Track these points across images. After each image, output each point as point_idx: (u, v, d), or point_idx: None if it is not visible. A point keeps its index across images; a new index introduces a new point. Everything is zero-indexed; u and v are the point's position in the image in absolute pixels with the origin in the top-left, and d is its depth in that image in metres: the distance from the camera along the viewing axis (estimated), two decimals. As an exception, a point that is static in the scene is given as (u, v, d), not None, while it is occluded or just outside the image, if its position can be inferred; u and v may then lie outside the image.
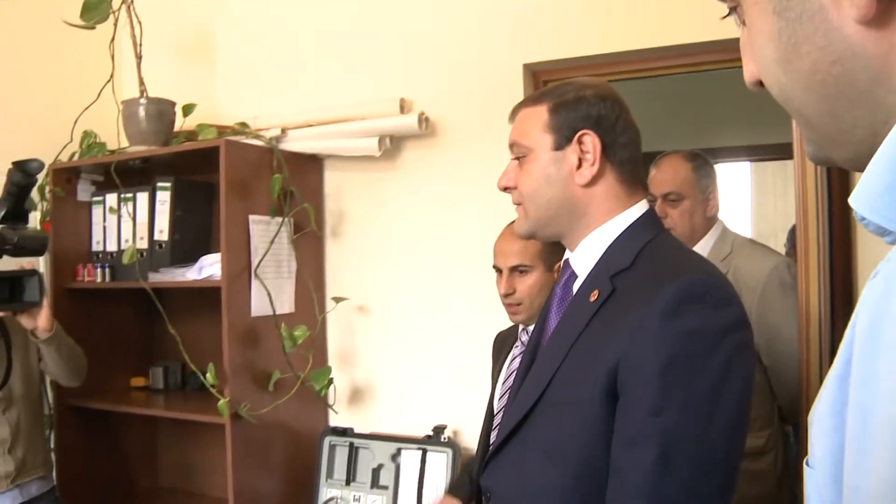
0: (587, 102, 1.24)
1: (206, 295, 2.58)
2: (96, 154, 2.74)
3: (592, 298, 1.18)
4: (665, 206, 2.29)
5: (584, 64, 2.37)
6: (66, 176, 2.75)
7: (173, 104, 2.66)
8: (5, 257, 2.15)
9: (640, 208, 1.26)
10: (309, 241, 2.64)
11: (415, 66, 2.56)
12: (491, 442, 1.45)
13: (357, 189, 2.68)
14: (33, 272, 2.20)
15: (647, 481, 1.04)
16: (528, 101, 1.32)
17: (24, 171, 2.04)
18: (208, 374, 2.34)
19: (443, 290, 2.52)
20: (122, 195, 2.70)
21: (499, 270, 1.85)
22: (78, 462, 2.68)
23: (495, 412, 1.79)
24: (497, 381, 1.86)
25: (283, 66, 2.82)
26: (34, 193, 2.43)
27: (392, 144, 2.54)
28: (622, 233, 1.23)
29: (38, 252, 2.18)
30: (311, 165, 2.68)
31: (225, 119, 2.75)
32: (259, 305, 2.42)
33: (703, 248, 2.27)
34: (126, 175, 2.70)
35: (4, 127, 2.78)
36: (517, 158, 1.31)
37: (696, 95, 4.47)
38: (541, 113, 1.27)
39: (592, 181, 1.24)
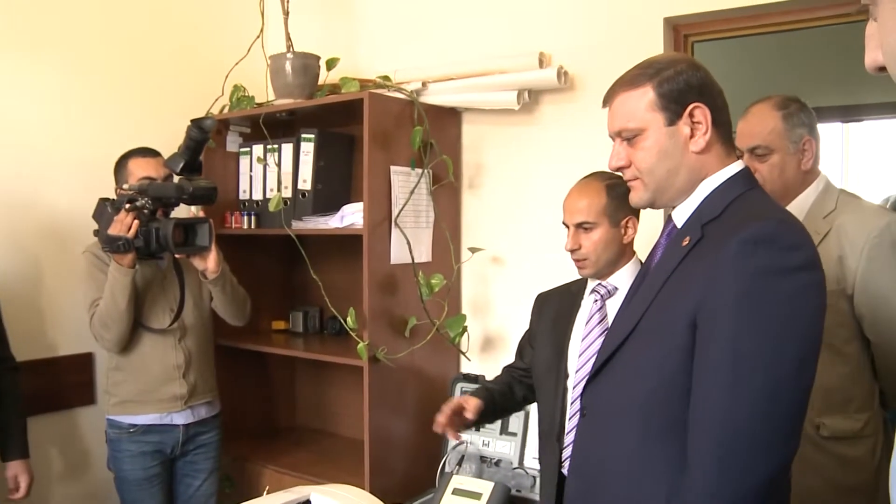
0: (686, 74, 1.32)
1: (346, 243, 2.68)
2: (245, 107, 2.88)
3: (684, 244, 1.31)
4: (752, 160, 2.03)
5: (729, 17, 2.30)
6: (216, 128, 2.88)
7: (318, 58, 2.75)
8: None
9: (737, 166, 1.36)
10: (447, 193, 2.69)
11: (554, 20, 2.55)
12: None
13: (495, 142, 2.71)
14: (205, 220, 2.39)
15: (721, 402, 1.17)
16: (624, 85, 1.38)
17: (199, 128, 2.20)
18: (349, 319, 2.43)
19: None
20: (269, 146, 2.83)
21: (567, 227, 1.91)
22: (227, 397, 2.84)
23: (576, 369, 1.86)
24: (567, 338, 1.92)
25: (423, 21, 2.87)
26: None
27: (530, 98, 2.55)
28: (717, 187, 1.34)
29: (208, 201, 2.35)
30: (450, 118, 2.72)
31: (367, 72, 2.82)
32: (398, 253, 2.50)
33: (801, 204, 2.03)
34: (272, 127, 2.83)
35: (163, 82, 2.97)
36: (626, 140, 1.39)
37: (843, 49, 4.22)
38: (645, 94, 1.34)
39: (707, 147, 1.33)
